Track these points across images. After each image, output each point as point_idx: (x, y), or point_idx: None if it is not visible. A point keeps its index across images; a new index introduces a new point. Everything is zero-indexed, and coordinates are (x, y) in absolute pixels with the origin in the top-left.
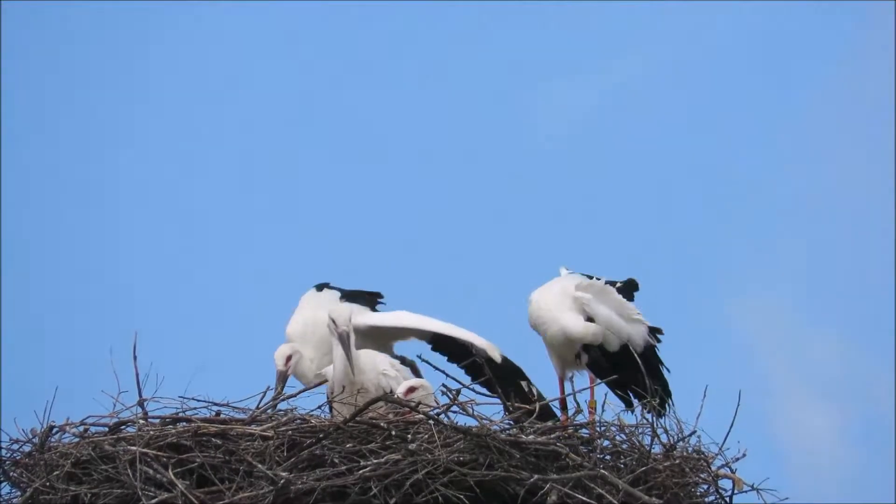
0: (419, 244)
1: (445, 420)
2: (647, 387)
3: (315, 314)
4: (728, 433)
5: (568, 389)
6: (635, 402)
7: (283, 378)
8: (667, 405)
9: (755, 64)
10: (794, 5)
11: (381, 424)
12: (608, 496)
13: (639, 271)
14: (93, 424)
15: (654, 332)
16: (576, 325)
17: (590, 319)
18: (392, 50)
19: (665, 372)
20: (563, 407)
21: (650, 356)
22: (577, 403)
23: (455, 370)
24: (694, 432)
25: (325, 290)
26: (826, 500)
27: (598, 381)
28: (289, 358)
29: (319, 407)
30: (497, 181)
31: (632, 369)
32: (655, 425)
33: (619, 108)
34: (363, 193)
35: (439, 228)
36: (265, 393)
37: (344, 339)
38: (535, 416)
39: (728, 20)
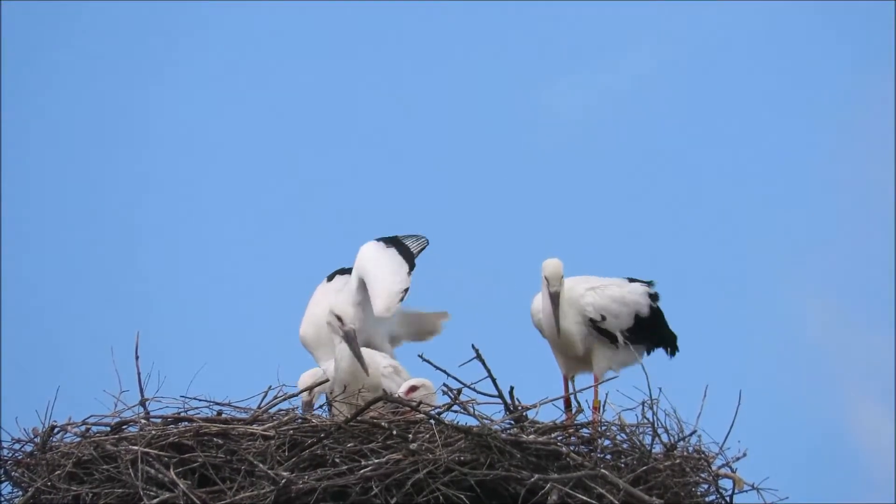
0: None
1: (446, 420)
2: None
3: (326, 313)
4: (728, 433)
5: (572, 388)
6: (640, 399)
7: (308, 406)
8: (675, 351)
9: (758, 62)
10: (797, 4)
11: (383, 424)
12: (609, 496)
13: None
14: (94, 424)
15: (653, 297)
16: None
17: (597, 319)
18: (398, 49)
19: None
20: (568, 406)
21: (656, 316)
22: (578, 403)
23: (456, 370)
24: (694, 432)
25: (337, 278)
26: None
27: (603, 379)
28: (311, 388)
29: (320, 406)
30: (505, 180)
31: (647, 330)
32: (656, 425)
33: (625, 107)
34: (365, 193)
35: (444, 228)
36: (266, 392)
37: (351, 337)
38: None
39: (735, 17)
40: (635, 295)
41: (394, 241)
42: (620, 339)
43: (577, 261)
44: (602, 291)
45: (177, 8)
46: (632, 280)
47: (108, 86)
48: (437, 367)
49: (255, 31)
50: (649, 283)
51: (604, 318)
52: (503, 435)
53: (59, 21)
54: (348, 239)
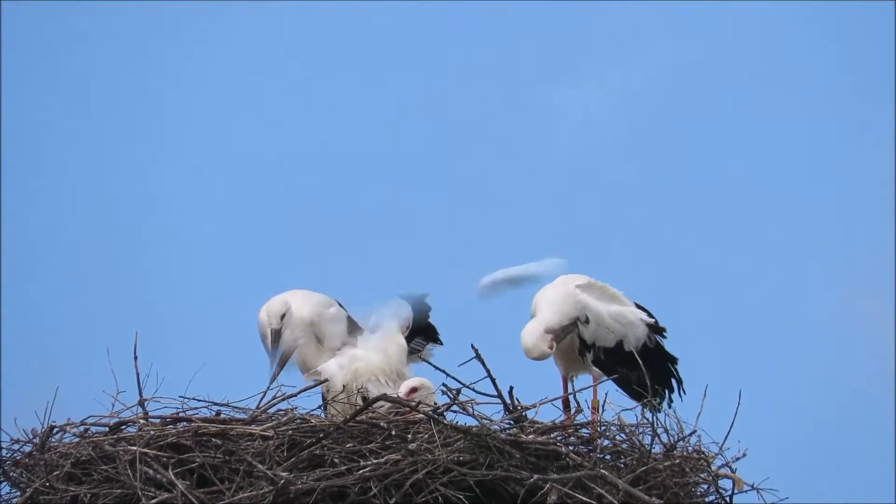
0: (428, 247)
1: (445, 420)
2: (646, 384)
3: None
4: (728, 433)
5: (571, 388)
6: (635, 401)
7: (278, 337)
8: (665, 401)
9: (779, 60)
10: (809, 4)
11: (381, 424)
12: (608, 496)
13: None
14: (93, 424)
15: (657, 330)
16: (530, 335)
17: (582, 319)
18: (407, 50)
19: (671, 367)
20: (567, 406)
21: (653, 353)
22: (577, 403)
23: (455, 369)
24: (694, 432)
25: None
26: None
27: (602, 380)
28: (283, 316)
29: (319, 406)
30: (512, 180)
31: (634, 366)
32: (655, 425)
33: (637, 107)
34: (369, 196)
35: (449, 227)
36: (265, 393)
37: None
38: None
39: (748, 16)
40: (626, 321)
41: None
42: (590, 356)
43: (591, 264)
44: (607, 304)
45: (178, 8)
46: (639, 307)
47: (109, 86)
48: (436, 367)
49: (259, 32)
50: (655, 323)
51: (588, 321)
52: (502, 435)
53: (59, 21)
54: (350, 241)
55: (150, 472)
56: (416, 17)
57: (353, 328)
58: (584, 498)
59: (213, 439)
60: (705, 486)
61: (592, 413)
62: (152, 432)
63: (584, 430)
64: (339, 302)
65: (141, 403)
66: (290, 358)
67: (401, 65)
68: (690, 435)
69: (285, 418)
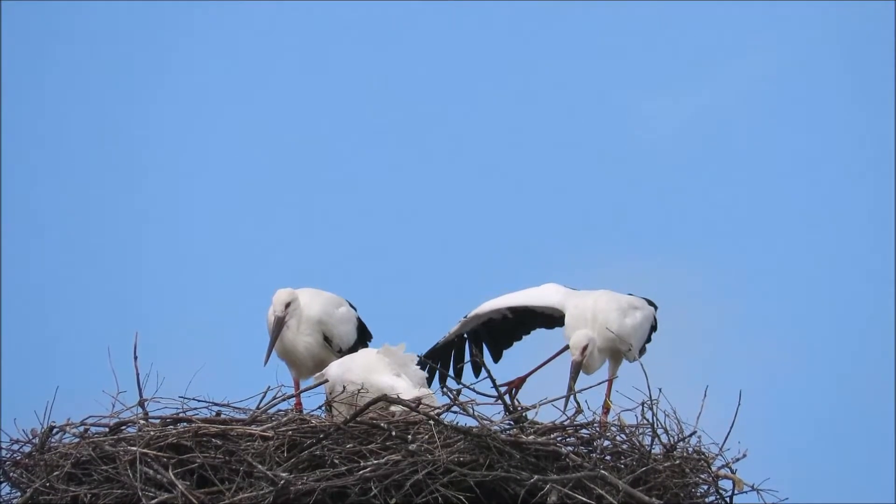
0: (499, 257)
1: (446, 420)
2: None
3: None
4: (728, 433)
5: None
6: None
7: (280, 325)
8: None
9: (867, 68)
10: (807, 4)
11: (382, 425)
12: (608, 497)
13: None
14: (93, 425)
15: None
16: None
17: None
18: (480, 59)
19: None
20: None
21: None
22: (578, 403)
23: (454, 370)
24: (694, 432)
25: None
26: None
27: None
28: (288, 304)
29: (320, 407)
30: (595, 200)
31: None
32: (656, 425)
33: (720, 123)
34: (373, 196)
35: (526, 240)
36: (265, 393)
37: None
38: None
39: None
40: (647, 312)
41: None
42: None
43: (664, 278)
44: (633, 315)
45: (177, 7)
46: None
47: (109, 85)
48: (437, 368)
49: (262, 31)
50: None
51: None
52: (502, 436)
53: (59, 21)
54: (352, 240)
55: (151, 472)
56: (509, 21)
57: (365, 332)
58: (584, 499)
59: (213, 440)
60: (705, 487)
61: (603, 414)
62: (152, 433)
63: (583, 431)
64: (349, 302)
65: (141, 404)
66: (297, 355)
67: (486, 67)
68: (690, 436)
69: (285, 419)
